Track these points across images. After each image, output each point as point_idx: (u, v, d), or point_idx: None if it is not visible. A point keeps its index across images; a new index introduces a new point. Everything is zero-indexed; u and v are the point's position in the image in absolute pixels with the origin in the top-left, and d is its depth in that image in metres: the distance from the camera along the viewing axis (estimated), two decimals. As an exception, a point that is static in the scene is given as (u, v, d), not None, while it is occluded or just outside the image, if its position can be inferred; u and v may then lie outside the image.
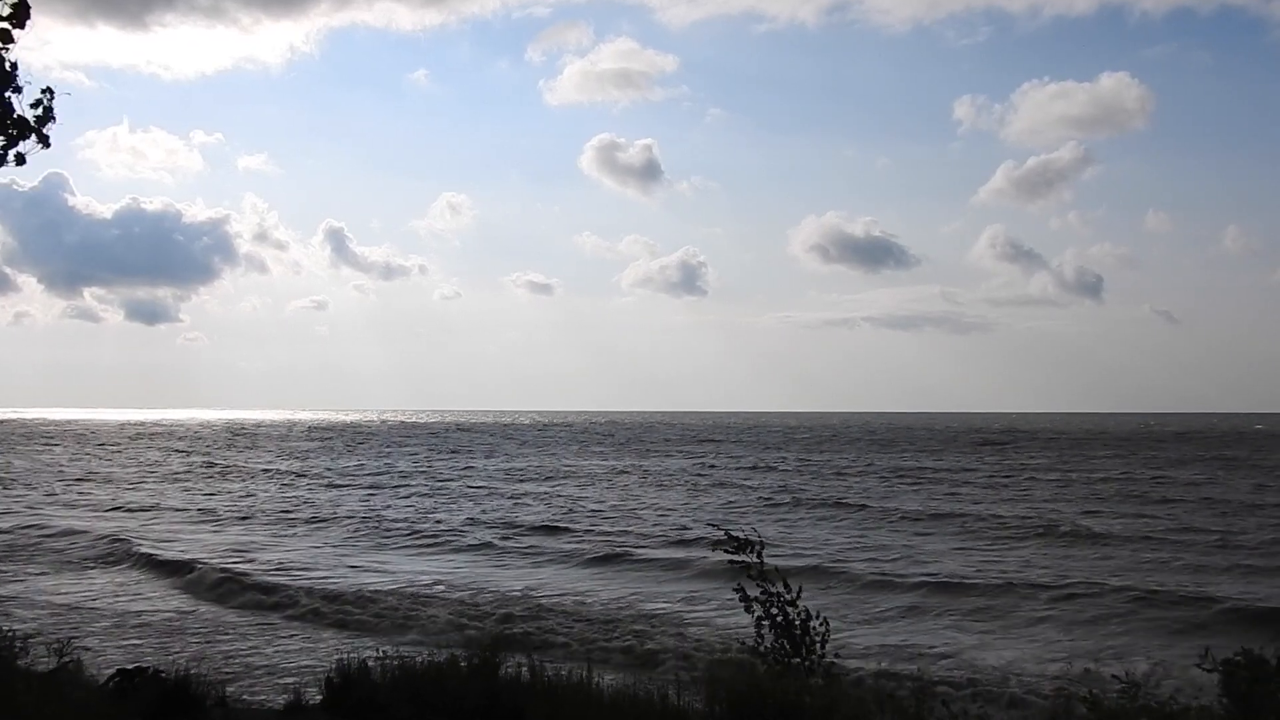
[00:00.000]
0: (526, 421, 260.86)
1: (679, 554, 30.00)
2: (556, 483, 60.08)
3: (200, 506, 45.69)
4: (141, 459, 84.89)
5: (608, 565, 28.95)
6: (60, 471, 69.22)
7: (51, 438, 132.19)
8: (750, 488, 55.51)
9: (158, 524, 39.74)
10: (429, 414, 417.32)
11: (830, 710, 8.38)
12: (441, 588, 25.18)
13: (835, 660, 9.77)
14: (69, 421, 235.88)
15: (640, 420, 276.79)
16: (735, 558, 10.07)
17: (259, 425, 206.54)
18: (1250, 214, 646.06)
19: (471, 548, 32.74)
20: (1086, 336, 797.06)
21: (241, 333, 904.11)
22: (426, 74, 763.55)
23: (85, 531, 35.52)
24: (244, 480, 61.91)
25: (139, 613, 22.44)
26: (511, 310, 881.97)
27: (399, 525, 38.33)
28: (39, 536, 34.92)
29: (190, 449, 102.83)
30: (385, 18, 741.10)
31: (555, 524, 38.45)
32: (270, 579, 26.21)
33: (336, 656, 12.45)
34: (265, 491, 53.89)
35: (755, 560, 9.94)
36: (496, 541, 33.75)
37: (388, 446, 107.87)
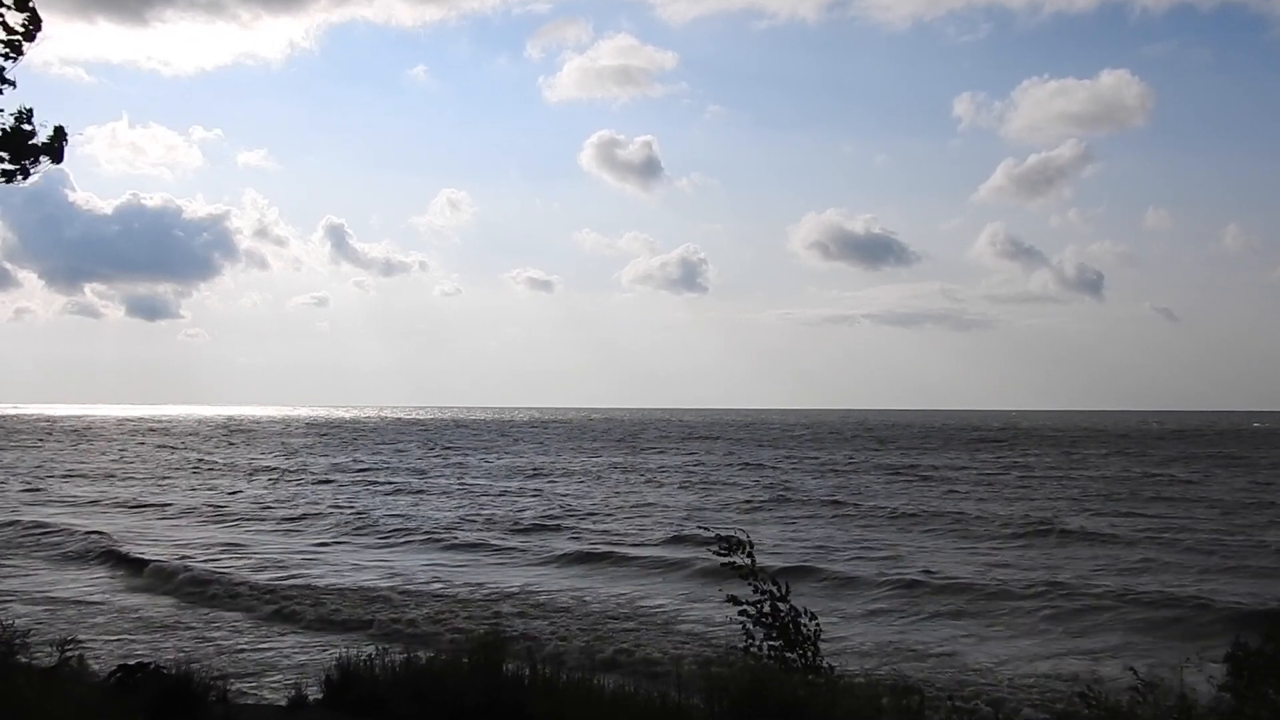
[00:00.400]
0: (525, 418, 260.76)
1: (666, 553, 29.98)
2: (546, 480, 60.00)
3: (182, 504, 45.64)
4: (133, 455, 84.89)
5: (594, 564, 28.90)
6: (43, 468, 69.26)
7: (47, 434, 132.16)
8: (740, 485, 55.49)
9: (132, 520, 39.84)
10: (429, 410, 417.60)
11: (830, 707, 8.40)
12: (403, 586, 25.22)
13: (830, 657, 9.79)
14: (68, 417, 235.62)
15: (638, 417, 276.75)
16: (726, 559, 10.10)
17: (257, 422, 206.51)
18: (1250, 211, 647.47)
19: (457, 546, 32.62)
20: (1087, 334, 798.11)
21: (242, 329, 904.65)
22: (426, 70, 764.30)
23: (59, 529, 35.43)
24: (231, 477, 61.89)
25: (95, 604, 22.63)
26: (511, 307, 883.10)
27: (383, 523, 38.18)
28: (13, 534, 34.87)
29: (183, 445, 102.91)
30: (385, 13, 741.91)
31: (543, 523, 38.37)
32: (235, 576, 26.30)
33: (336, 654, 12.44)
34: (251, 489, 53.93)
35: (746, 560, 9.97)
36: (491, 540, 33.68)
37: (382, 443, 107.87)
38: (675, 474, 64.95)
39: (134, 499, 47.78)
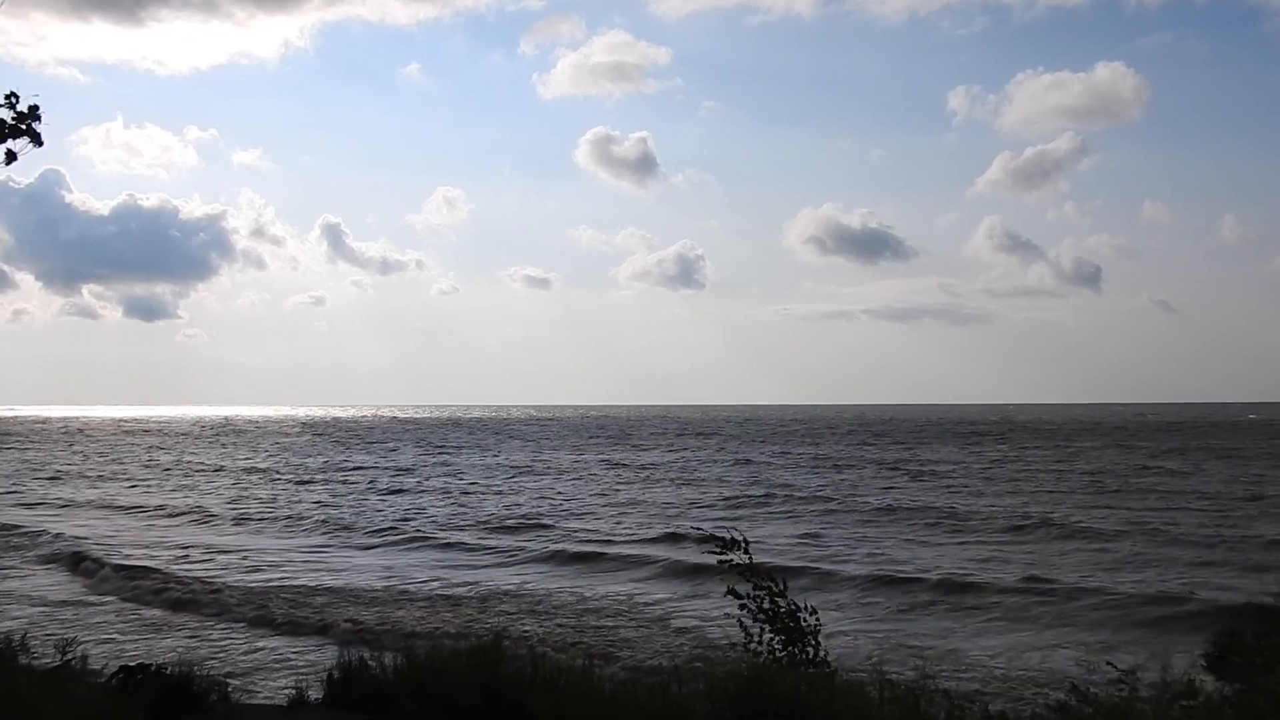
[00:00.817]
0: (522, 416, 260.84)
1: (653, 551, 29.96)
2: (535, 478, 59.96)
3: (160, 505, 45.53)
4: (121, 457, 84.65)
5: (582, 563, 28.82)
6: (29, 469, 69.32)
7: (41, 435, 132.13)
8: (728, 482, 55.43)
9: (105, 521, 39.88)
10: (427, 409, 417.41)
11: (831, 702, 8.43)
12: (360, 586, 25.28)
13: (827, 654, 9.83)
14: (63, 419, 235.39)
15: (636, 415, 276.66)
16: (723, 556, 10.14)
17: (253, 422, 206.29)
18: (1248, 204, 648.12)
19: (440, 545, 32.53)
20: (1085, 327, 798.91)
21: (240, 329, 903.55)
22: (420, 68, 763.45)
23: (27, 529, 35.44)
24: (214, 478, 61.91)
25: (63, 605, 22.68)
26: (509, 305, 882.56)
27: (365, 523, 38.03)
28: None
29: (172, 446, 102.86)
30: (379, 12, 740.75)
31: (527, 521, 38.15)
32: (185, 574, 26.41)
33: (337, 652, 12.47)
34: (233, 490, 53.89)
35: (745, 558, 10.01)
36: (473, 540, 33.54)
37: (374, 443, 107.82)
38: (665, 471, 65.02)
39: (112, 500, 47.76)
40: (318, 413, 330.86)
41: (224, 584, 25.23)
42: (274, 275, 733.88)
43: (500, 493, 50.60)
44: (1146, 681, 7.29)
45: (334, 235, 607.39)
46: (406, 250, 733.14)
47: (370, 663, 11.13)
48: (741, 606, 9.88)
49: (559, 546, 31.54)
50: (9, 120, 7.50)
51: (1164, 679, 7.29)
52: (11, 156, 7.37)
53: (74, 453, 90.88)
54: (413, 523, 38.26)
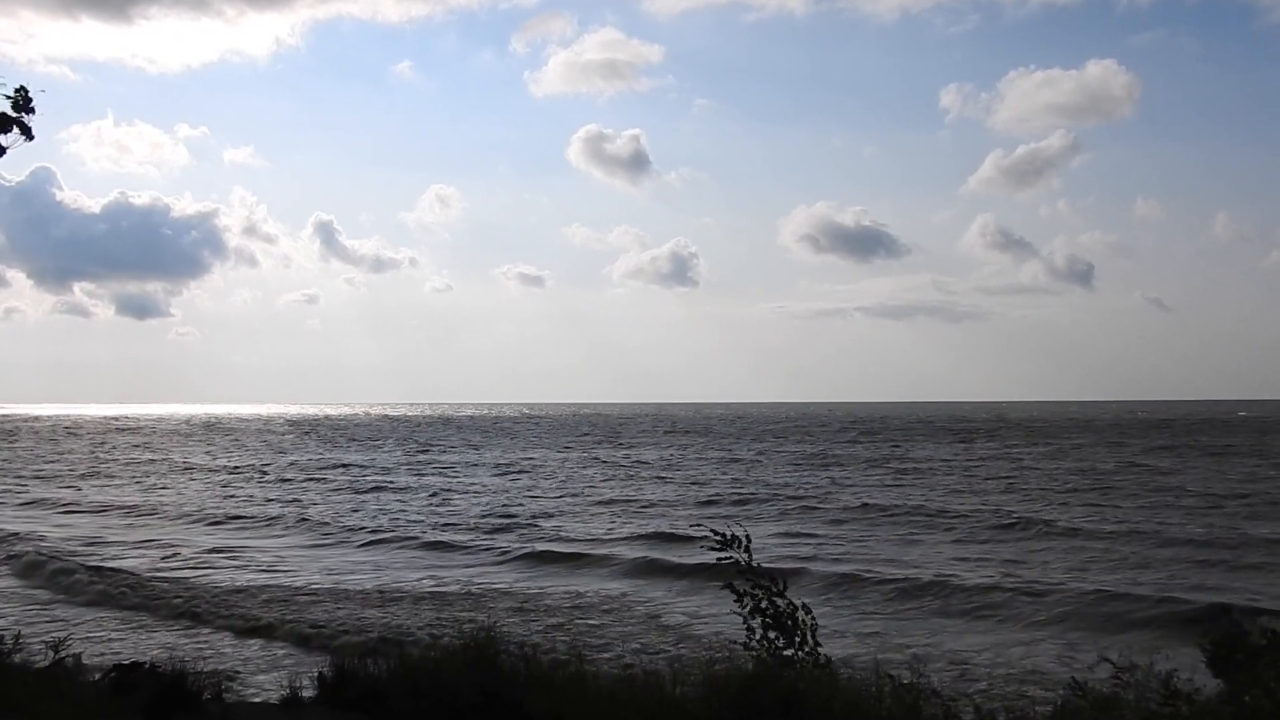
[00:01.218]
0: (514, 414, 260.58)
1: (637, 550, 29.80)
2: (519, 477, 59.51)
3: (125, 503, 45.44)
4: (100, 455, 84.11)
5: (562, 563, 28.54)
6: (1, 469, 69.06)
7: (28, 433, 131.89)
8: (708, 481, 55.17)
9: (69, 519, 40.05)
10: (421, 407, 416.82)
11: (829, 700, 8.43)
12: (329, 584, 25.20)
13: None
14: (51, 417, 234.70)
15: (627, 412, 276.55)
16: (723, 554, 10.11)
17: (243, 420, 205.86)
18: (1240, 201, 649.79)
19: (410, 544, 32.26)
20: (1079, 325, 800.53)
21: (233, 327, 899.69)
22: (411, 65, 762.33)
23: None
24: (187, 476, 61.77)
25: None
26: (503, 303, 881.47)
27: (338, 521, 37.77)
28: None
29: (152, 445, 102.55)
30: (371, 9, 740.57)
31: (509, 520, 37.87)
32: (108, 566, 26.60)
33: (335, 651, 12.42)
34: (206, 486, 53.91)
35: (744, 556, 9.98)
36: (447, 539, 33.17)
37: (360, 441, 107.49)
38: (649, 469, 64.87)
39: (82, 499, 47.59)
40: (310, 411, 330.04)
41: (166, 580, 25.34)
42: (266, 273, 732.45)
43: (481, 492, 50.21)
44: (1143, 680, 7.29)
45: (327, 233, 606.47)
46: (399, 248, 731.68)
47: (365, 661, 11.11)
48: (739, 603, 9.85)
49: (535, 546, 31.22)
50: (10, 113, 7.39)
51: (1167, 677, 7.30)
52: (0, 150, 7.29)
53: (53, 451, 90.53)
54: (386, 521, 37.98)
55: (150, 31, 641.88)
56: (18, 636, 11.89)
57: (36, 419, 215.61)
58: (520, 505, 43.44)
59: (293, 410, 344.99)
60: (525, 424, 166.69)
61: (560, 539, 32.88)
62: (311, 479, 58.82)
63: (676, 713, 8.87)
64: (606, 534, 33.94)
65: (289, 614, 21.11)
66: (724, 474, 59.92)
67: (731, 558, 10.05)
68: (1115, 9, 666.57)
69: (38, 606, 22.52)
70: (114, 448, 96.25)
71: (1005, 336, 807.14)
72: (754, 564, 9.99)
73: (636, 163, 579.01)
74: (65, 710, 9.08)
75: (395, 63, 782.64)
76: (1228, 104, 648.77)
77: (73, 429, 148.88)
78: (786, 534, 33.69)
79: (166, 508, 43.40)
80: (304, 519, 38.77)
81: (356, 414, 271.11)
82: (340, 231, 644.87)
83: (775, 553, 27.88)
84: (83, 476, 61.16)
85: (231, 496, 48.75)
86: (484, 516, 39.33)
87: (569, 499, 46.36)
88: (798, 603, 9.85)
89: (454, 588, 24.94)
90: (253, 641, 18.90)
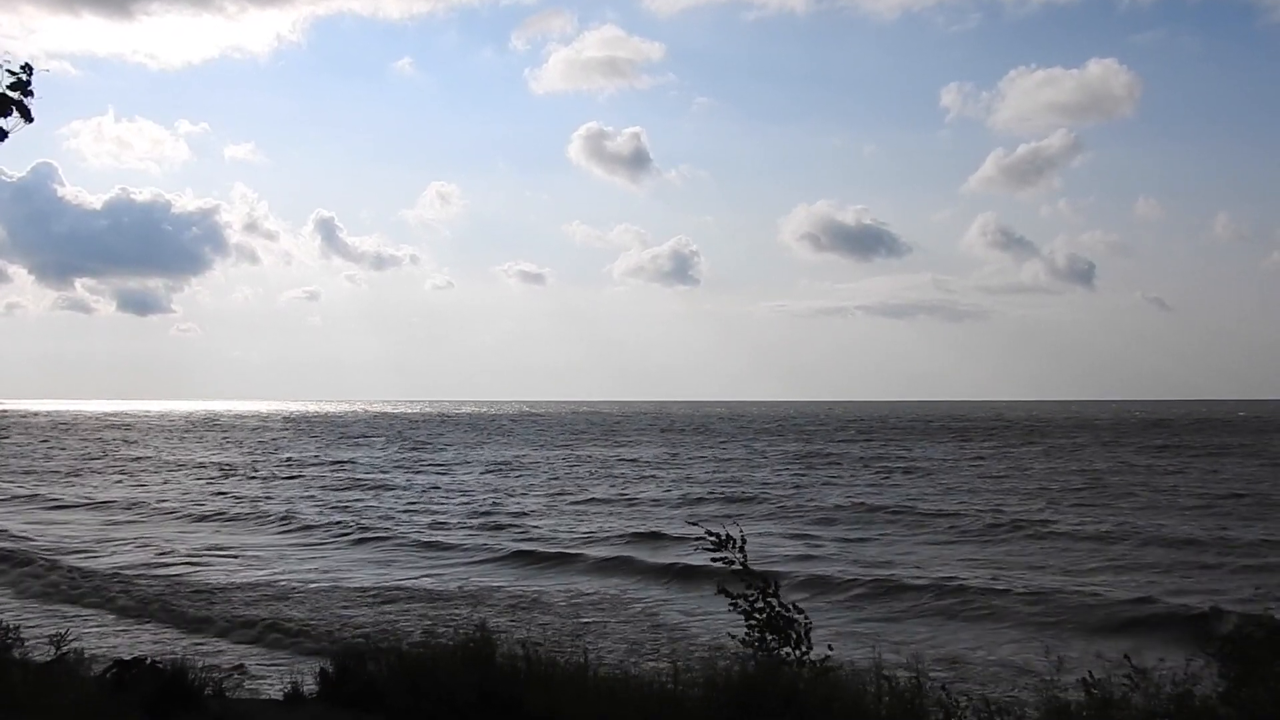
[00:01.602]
0: (514, 412, 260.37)
1: (624, 551, 29.66)
2: (507, 475, 59.19)
3: (98, 499, 45.48)
4: (85, 452, 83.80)
5: (548, 563, 28.35)
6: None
7: (23, 430, 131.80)
8: (696, 480, 54.91)
9: (35, 515, 40.17)
10: (421, 405, 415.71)
11: (828, 699, 8.44)
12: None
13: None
14: (46, 413, 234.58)
15: (627, 411, 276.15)
16: (718, 554, 10.12)
17: (240, 417, 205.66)
18: (1241, 200, 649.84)
19: (393, 543, 32.02)
20: (1080, 324, 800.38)
21: (234, 323, 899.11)
22: (411, 62, 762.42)
23: None
24: (167, 473, 61.68)
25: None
26: (504, 300, 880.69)
27: (316, 520, 37.59)
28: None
29: (140, 441, 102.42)
30: (372, 6, 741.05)
31: (494, 519, 37.65)
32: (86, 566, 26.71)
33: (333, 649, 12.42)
34: (184, 484, 53.84)
35: (739, 557, 9.99)
36: (429, 537, 32.95)
37: (356, 438, 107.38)
38: (640, 468, 64.80)
39: (64, 496, 47.45)
40: (310, 408, 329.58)
41: (129, 577, 25.41)
42: (267, 270, 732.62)
43: (471, 490, 49.97)
44: (1152, 680, 7.31)
45: (327, 230, 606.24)
46: (400, 245, 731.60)
47: (366, 657, 11.11)
48: (734, 605, 9.86)
49: (523, 545, 31.03)
50: (9, 94, 7.30)
51: (1172, 676, 7.32)
52: (2, 134, 7.23)
53: (41, 447, 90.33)
54: (372, 519, 37.86)
55: (151, 27, 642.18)
56: (15, 629, 11.90)
57: (32, 415, 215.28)
58: (509, 504, 43.25)
59: (292, 407, 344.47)
60: (523, 422, 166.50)
61: (548, 538, 32.70)
62: (299, 476, 58.64)
63: (677, 711, 8.88)
64: (596, 533, 33.79)
65: (245, 611, 21.16)
66: (717, 473, 59.74)
67: (726, 558, 10.07)
68: (1116, 8, 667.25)
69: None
70: (105, 444, 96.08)
71: (1006, 336, 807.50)
72: (747, 564, 10.00)
73: (637, 160, 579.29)
74: (66, 706, 9.09)
75: (396, 59, 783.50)
76: (1229, 103, 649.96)
77: (65, 425, 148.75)
78: (776, 534, 33.57)
79: (148, 505, 43.28)
80: (287, 516, 38.62)
81: (355, 411, 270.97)
82: (341, 228, 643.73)
83: (765, 553, 27.63)
84: (66, 474, 60.99)
85: (219, 493, 48.60)
86: (472, 515, 39.15)
87: (559, 497, 46.19)
88: (791, 603, 9.86)
89: (437, 586, 24.88)
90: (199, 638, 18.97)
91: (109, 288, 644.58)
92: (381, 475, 59.28)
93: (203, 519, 39.01)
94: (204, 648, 17.83)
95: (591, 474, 59.99)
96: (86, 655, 11.22)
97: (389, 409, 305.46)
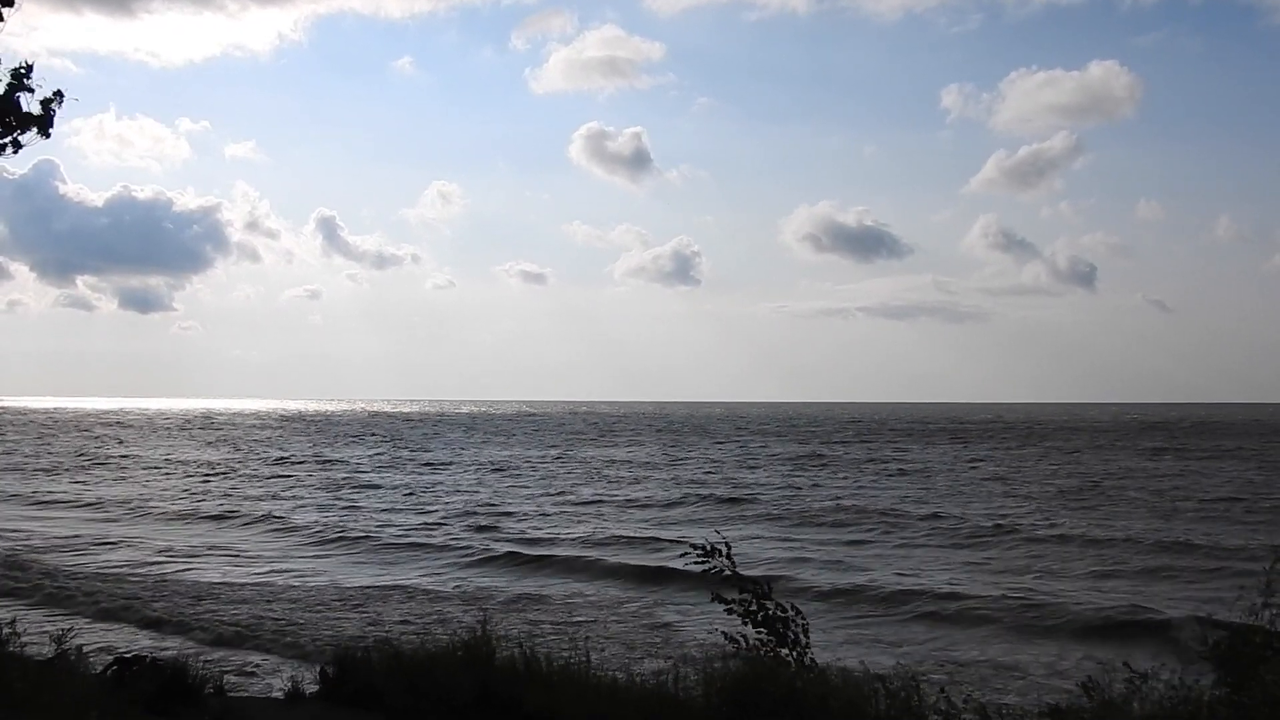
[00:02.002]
0: (513, 412, 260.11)
1: (597, 553, 29.62)
2: (498, 476, 58.99)
3: (64, 499, 45.44)
4: (82, 451, 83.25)
5: (538, 565, 28.13)
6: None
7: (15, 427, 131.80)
8: (682, 482, 54.70)
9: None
10: (421, 404, 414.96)
11: (825, 699, 8.47)
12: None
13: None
14: (42, 411, 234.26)
15: (626, 411, 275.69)
16: (706, 565, 10.14)
17: (236, 416, 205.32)
18: (1243, 202, 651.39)
19: (371, 546, 31.79)
20: (1081, 326, 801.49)
21: (235, 322, 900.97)
22: (411, 61, 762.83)
23: None
24: (143, 471, 61.64)
25: None
26: (505, 300, 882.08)
27: (291, 521, 37.44)
28: None
29: (138, 440, 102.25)
30: (373, 5, 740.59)
31: (476, 521, 37.40)
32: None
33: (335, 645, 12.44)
34: (176, 483, 53.78)
35: (727, 563, 10.02)
36: (401, 539, 32.68)
37: (348, 436, 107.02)
38: (631, 469, 64.73)
39: (43, 494, 47.37)
40: (310, 407, 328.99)
41: (86, 574, 25.57)
42: (268, 268, 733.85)
43: (460, 491, 49.63)
44: (1151, 683, 7.34)
45: (329, 229, 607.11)
46: (401, 244, 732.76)
47: (368, 655, 11.13)
48: (728, 610, 9.88)
49: (509, 547, 30.75)
50: (34, 112, 7.44)
51: (1169, 679, 7.35)
52: (18, 145, 7.34)
53: (24, 444, 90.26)
54: (356, 519, 37.77)
55: (153, 25, 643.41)
56: (13, 624, 11.90)
57: (29, 412, 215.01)
58: (499, 505, 42.94)
59: (292, 406, 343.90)
60: (519, 422, 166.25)
61: (539, 540, 32.47)
62: (287, 476, 58.41)
63: (676, 710, 8.91)
64: (586, 535, 33.55)
65: (203, 611, 21.13)
66: (709, 474, 59.58)
67: (716, 567, 10.09)
68: (1118, 9, 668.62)
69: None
70: (97, 442, 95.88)
71: (1007, 337, 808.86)
72: (737, 570, 10.02)
73: (637, 161, 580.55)
74: (66, 703, 9.10)
75: (396, 58, 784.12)
76: (1230, 105, 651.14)
77: (61, 423, 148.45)
78: (765, 537, 33.39)
79: (130, 503, 43.14)
80: (268, 515, 38.49)
81: (351, 410, 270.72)
82: (342, 227, 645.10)
83: (755, 556, 27.54)
84: (50, 472, 60.81)
85: (202, 492, 48.44)
86: (461, 515, 38.87)
87: (549, 498, 45.93)
88: (788, 605, 9.90)
89: (427, 586, 24.84)
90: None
91: (110, 285, 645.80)
92: (371, 475, 59.06)
93: (179, 518, 38.87)
94: (165, 647, 17.77)
95: (584, 475, 59.87)
96: (86, 653, 11.21)
97: (388, 408, 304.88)
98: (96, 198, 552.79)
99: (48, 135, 7.53)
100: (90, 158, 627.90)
